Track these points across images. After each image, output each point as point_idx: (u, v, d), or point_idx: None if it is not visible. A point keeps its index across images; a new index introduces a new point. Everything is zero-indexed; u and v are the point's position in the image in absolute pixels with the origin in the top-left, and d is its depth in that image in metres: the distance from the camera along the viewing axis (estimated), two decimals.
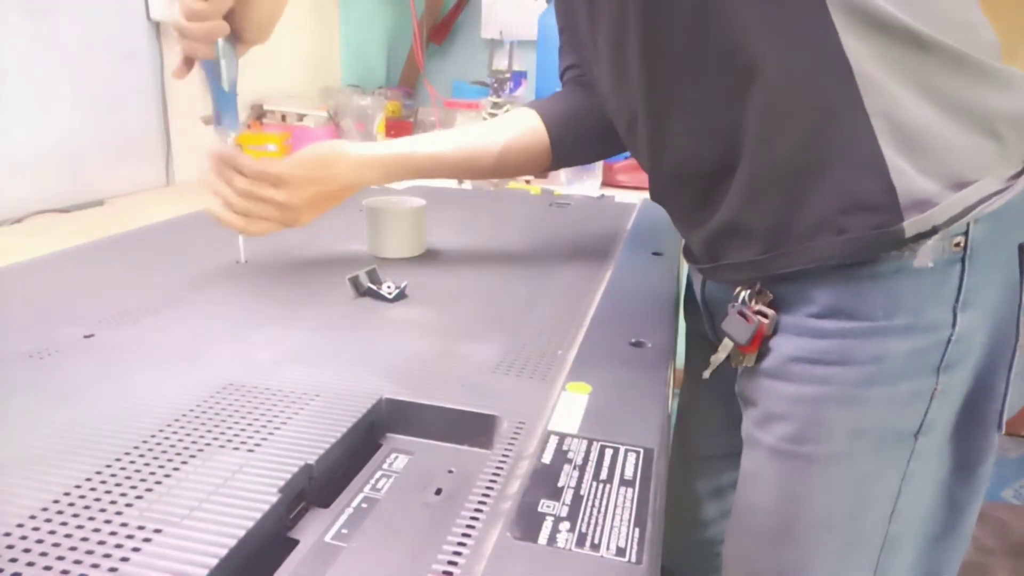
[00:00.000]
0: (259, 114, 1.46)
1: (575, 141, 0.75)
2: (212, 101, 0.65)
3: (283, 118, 1.46)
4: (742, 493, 0.59)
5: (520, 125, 0.74)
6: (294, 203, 0.67)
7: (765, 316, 0.53)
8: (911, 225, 0.45)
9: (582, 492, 0.36)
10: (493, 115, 1.28)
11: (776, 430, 0.54)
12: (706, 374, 0.62)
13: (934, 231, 0.45)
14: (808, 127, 0.46)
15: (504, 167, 0.74)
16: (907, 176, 0.45)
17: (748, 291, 0.54)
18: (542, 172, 0.79)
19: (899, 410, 0.50)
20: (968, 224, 0.46)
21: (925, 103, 0.45)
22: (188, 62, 0.63)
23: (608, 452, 0.39)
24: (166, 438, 0.39)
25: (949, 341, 0.48)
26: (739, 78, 0.47)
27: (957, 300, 0.47)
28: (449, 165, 0.73)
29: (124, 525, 0.32)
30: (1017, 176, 0.46)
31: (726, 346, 0.56)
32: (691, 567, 0.82)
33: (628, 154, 1.43)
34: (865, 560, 0.53)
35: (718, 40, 0.46)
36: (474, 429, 0.43)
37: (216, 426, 0.40)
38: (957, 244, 0.46)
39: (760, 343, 0.54)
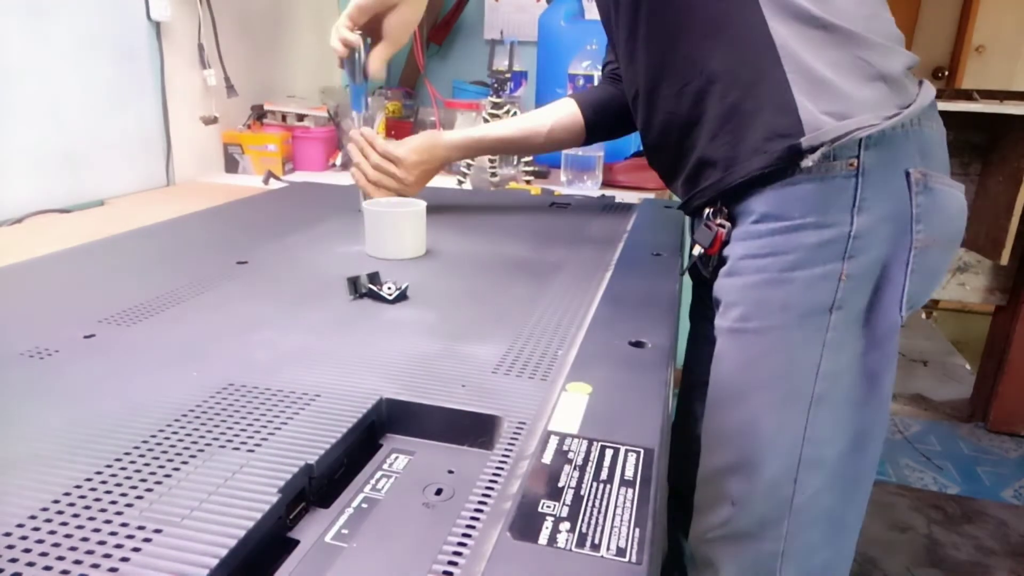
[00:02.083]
0: (259, 114, 1.46)
1: (603, 121, 0.99)
2: (350, 90, 0.89)
3: (283, 118, 1.46)
4: (712, 374, 0.73)
5: (563, 111, 0.98)
6: (407, 178, 0.94)
7: (723, 226, 0.71)
8: (806, 140, 0.63)
9: (582, 492, 0.36)
10: (493, 115, 1.28)
11: (731, 314, 0.70)
12: (679, 272, 0.79)
13: (822, 146, 0.62)
14: (747, 84, 0.66)
15: (552, 143, 1.00)
16: (810, 113, 0.63)
17: (711, 210, 0.72)
18: (580, 145, 1.03)
19: (815, 289, 0.65)
20: (859, 149, 0.63)
21: (827, 66, 0.64)
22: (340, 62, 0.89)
23: (608, 452, 0.39)
24: (166, 438, 0.39)
25: (849, 236, 0.64)
26: (703, 57, 0.68)
27: (854, 205, 0.64)
28: (513, 144, 1.01)
29: (124, 525, 0.32)
30: (892, 117, 0.63)
31: (698, 250, 0.74)
32: (690, 476, 0.92)
33: (628, 154, 1.45)
34: (798, 413, 0.67)
35: (689, 37, 0.69)
36: (474, 429, 0.43)
37: (216, 426, 0.40)
38: (851, 164, 0.63)
39: (720, 247, 0.71)
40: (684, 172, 0.75)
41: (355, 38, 0.84)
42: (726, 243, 0.71)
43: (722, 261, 0.72)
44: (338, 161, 1.50)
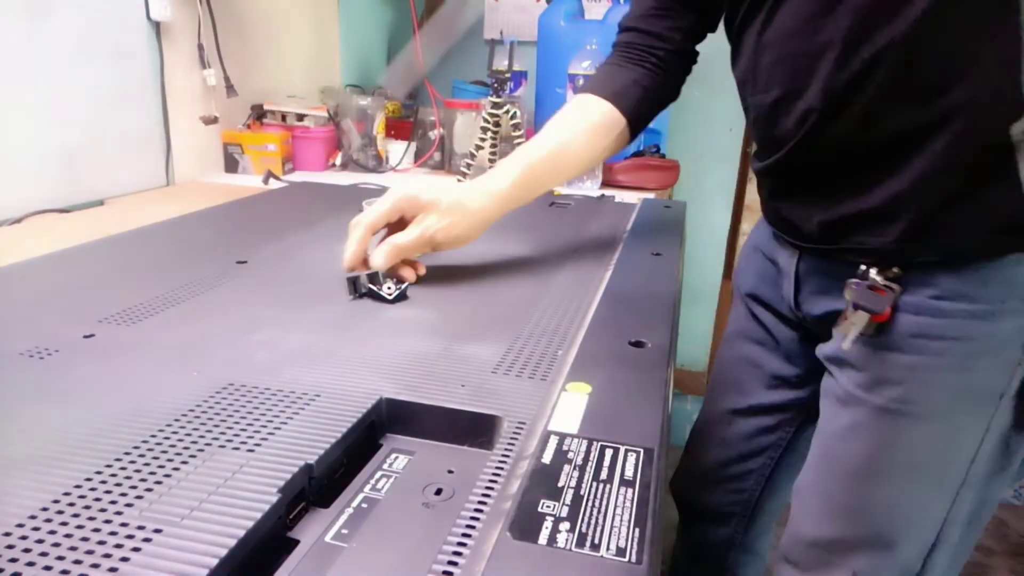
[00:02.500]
0: (259, 114, 1.46)
1: (645, 113, 0.81)
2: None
3: (283, 118, 1.46)
4: (836, 442, 0.69)
5: (596, 121, 0.78)
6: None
7: (892, 289, 0.61)
8: None
9: (582, 492, 0.36)
10: (493, 115, 1.28)
11: (886, 393, 0.64)
12: (845, 345, 0.67)
13: None
14: (987, 143, 0.55)
15: (604, 158, 0.83)
16: None
17: (875, 268, 0.63)
18: (628, 144, 0.85)
19: (995, 376, 0.60)
20: None
21: None
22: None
23: (608, 452, 0.39)
24: (166, 438, 0.39)
25: None
26: (934, 81, 0.56)
27: None
28: (560, 175, 0.78)
29: (124, 525, 0.32)
30: None
31: (861, 317, 0.63)
32: (706, 499, 0.96)
33: (629, 154, 1.43)
34: (947, 496, 0.64)
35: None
36: (474, 429, 0.43)
37: (216, 426, 0.40)
38: None
39: (891, 313, 0.62)
40: (839, 212, 0.64)
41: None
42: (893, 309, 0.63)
43: (878, 326, 0.64)
44: (338, 161, 1.50)
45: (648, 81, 0.80)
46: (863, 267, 0.64)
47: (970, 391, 0.61)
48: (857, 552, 0.69)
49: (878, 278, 0.62)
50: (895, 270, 0.62)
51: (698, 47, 0.82)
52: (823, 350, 0.72)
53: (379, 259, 0.66)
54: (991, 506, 0.69)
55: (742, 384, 0.88)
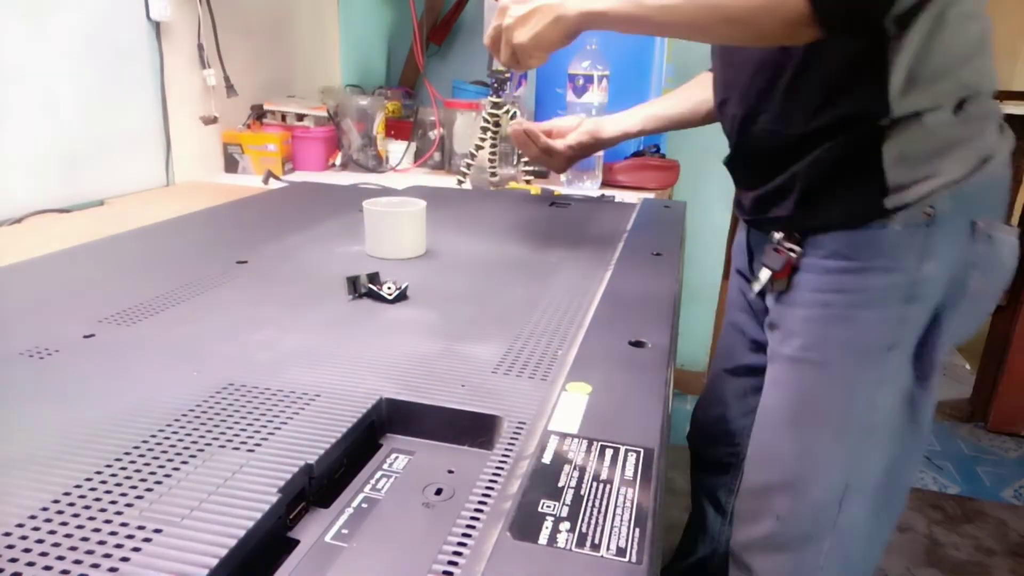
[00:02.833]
0: (259, 114, 1.46)
1: None
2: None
3: (283, 118, 1.46)
4: (766, 396, 0.78)
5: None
6: (560, 166, 1.03)
7: (793, 252, 0.74)
8: (889, 200, 0.67)
9: (582, 492, 0.36)
10: (493, 115, 1.28)
11: (792, 343, 0.74)
12: (753, 292, 0.84)
13: (905, 206, 0.66)
14: (852, 138, 0.67)
15: (709, 118, 0.96)
16: (899, 175, 0.66)
17: (782, 234, 0.75)
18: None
19: (877, 329, 0.69)
20: (936, 200, 0.66)
21: (923, 131, 0.66)
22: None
23: (608, 452, 0.39)
24: (166, 438, 0.39)
25: (914, 281, 0.67)
26: (820, 108, 0.69)
27: (923, 252, 0.67)
28: (673, 122, 1.00)
29: (124, 525, 0.32)
30: (966, 177, 0.66)
31: (766, 273, 0.77)
32: (709, 451, 1.08)
33: (629, 154, 1.44)
34: (850, 443, 0.72)
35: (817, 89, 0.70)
36: (474, 429, 0.43)
37: (216, 426, 0.40)
38: (927, 213, 0.66)
39: (790, 272, 0.74)
40: (761, 190, 0.78)
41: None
42: (795, 269, 0.75)
43: (788, 286, 0.76)
44: (338, 161, 1.50)
45: None
46: (773, 233, 0.76)
47: (857, 340, 0.70)
48: (779, 496, 0.76)
49: (781, 243, 0.75)
50: (796, 236, 0.74)
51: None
52: (766, 320, 0.81)
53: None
54: (911, 467, 0.75)
55: (732, 348, 1.00)
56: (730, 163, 0.85)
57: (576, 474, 0.37)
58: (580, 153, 1.01)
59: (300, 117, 1.46)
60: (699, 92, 0.96)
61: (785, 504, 0.75)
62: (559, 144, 0.98)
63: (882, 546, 0.78)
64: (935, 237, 0.66)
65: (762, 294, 0.83)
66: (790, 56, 0.69)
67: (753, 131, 0.76)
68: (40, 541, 0.30)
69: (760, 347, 0.92)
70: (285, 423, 0.41)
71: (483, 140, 1.29)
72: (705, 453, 1.09)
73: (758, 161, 0.78)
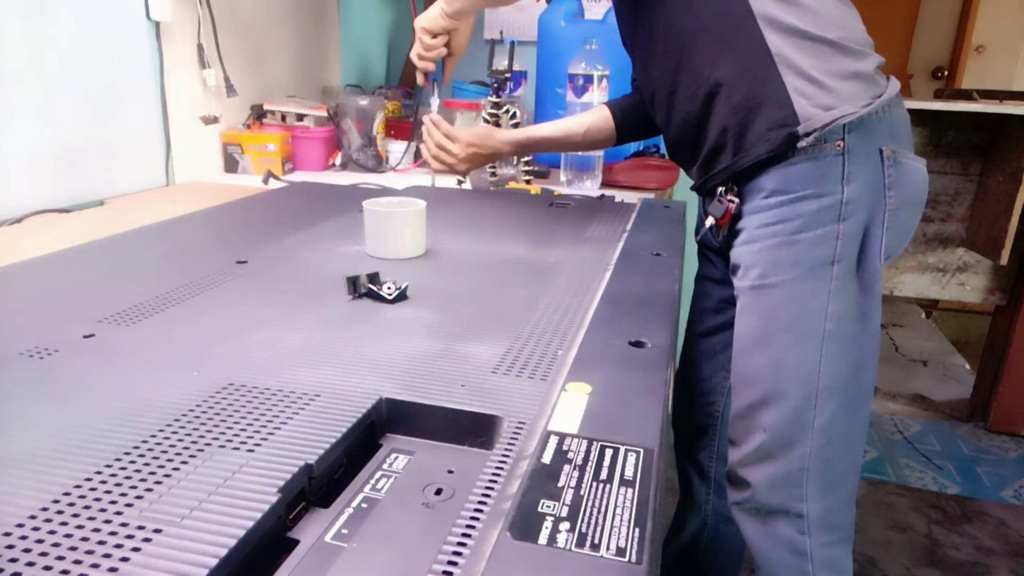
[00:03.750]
0: (259, 114, 1.46)
1: (631, 125, 1.13)
2: (432, 89, 1.13)
3: (283, 118, 1.46)
4: (738, 326, 0.87)
5: (598, 115, 1.13)
6: (460, 154, 1.12)
7: (732, 201, 0.85)
8: (802, 128, 0.77)
9: (582, 492, 0.36)
10: (493, 115, 1.28)
11: (751, 275, 0.84)
12: (696, 237, 1.03)
13: (815, 132, 0.77)
14: (750, 86, 0.80)
15: (588, 142, 1.15)
16: (803, 107, 0.78)
17: (723, 188, 0.86)
18: (613, 145, 1.17)
19: (819, 247, 0.79)
20: (844, 133, 0.77)
21: (813, 68, 0.78)
22: (423, 76, 1.08)
23: (608, 452, 0.39)
24: (166, 438, 0.39)
25: (841, 203, 0.78)
26: (712, 66, 0.82)
27: (842, 178, 0.78)
28: (555, 142, 1.16)
29: (124, 525, 0.32)
30: (867, 106, 0.78)
31: (710, 221, 0.88)
32: (687, 417, 1.16)
33: (629, 154, 1.45)
34: (813, 349, 0.81)
35: (699, 51, 0.84)
36: (474, 429, 0.43)
37: (216, 426, 0.40)
38: (838, 145, 0.78)
39: (730, 219, 0.86)
40: (699, 160, 0.89)
41: (437, 53, 1.03)
42: (736, 217, 0.86)
43: (732, 233, 0.87)
44: (338, 161, 1.50)
45: (639, 105, 1.08)
46: (718, 189, 0.87)
47: (803, 259, 0.80)
48: (762, 410, 0.84)
49: (723, 196, 0.86)
50: (735, 188, 0.85)
51: None
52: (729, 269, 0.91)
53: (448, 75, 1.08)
54: (869, 368, 0.85)
55: (700, 313, 1.10)
56: (673, 152, 0.97)
57: (576, 474, 0.37)
58: (473, 159, 1.13)
59: (300, 117, 1.46)
60: (573, 122, 1.14)
61: (770, 416, 0.84)
62: (454, 147, 1.11)
63: (860, 448, 0.88)
64: (851, 165, 0.78)
65: (723, 253, 0.94)
66: (683, 36, 0.84)
67: (666, 117, 0.90)
68: (40, 541, 0.30)
69: (726, 304, 1.01)
70: (285, 423, 0.41)
71: None
72: (685, 422, 1.17)
73: (684, 142, 0.90)
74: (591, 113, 1.15)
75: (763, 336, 0.84)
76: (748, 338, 0.86)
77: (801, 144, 0.77)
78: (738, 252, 0.86)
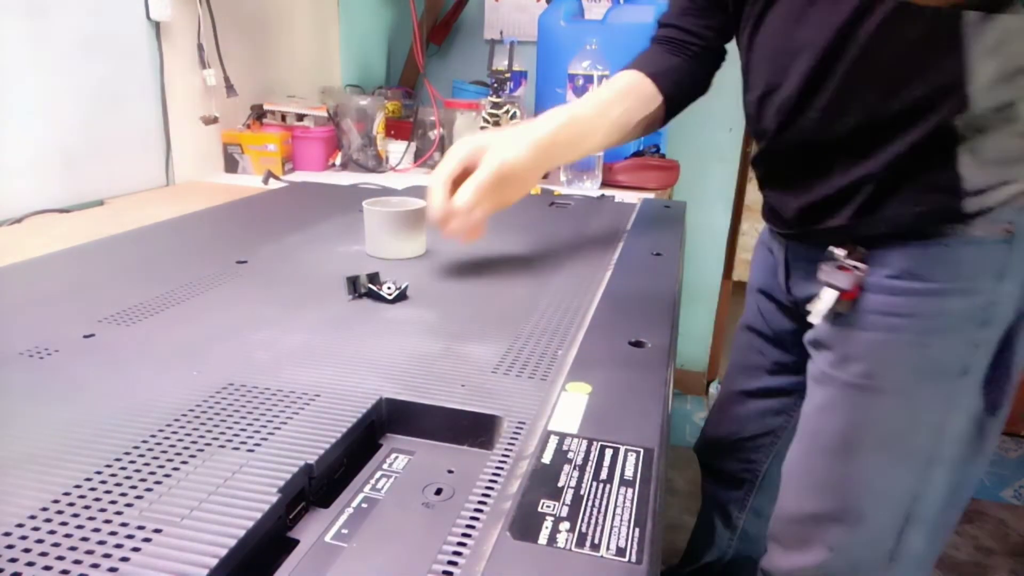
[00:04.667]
0: (259, 114, 1.46)
1: (681, 96, 0.87)
2: None
3: (283, 118, 1.46)
4: (813, 420, 0.73)
5: (637, 99, 0.83)
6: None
7: (859, 269, 0.66)
8: (968, 203, 0.60)
9: (582, 492, 0.36)
10: (493, 115, 1.28)
11: (851, 369, 0.68)
12: (815, 320, 0.73)
13: (986, 211, 0.60)
14: (921, 134, 0.61)
15: (633, 135, 0.87)
16: (970, 171, 0.60)
17: (843, 250, 0.68)
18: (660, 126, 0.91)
19: (950, 355, 0.64)
20: (1017, 214, 0.60)
21: (998, 132, 0.60)
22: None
23: (608, 452, 0.39)
24: (166, 438, 0.39)
25: (991, 304, 0.62)
26: (888, 95, 0.62)
27: (1001, 271, 0.62)
28: (591, 150, 0.84)
29: (124, 525, 0.32)
30: None
31: (830, 295, 0.68)
32: (721, 465, 1.04)
33: (629, 154, 1.44)
34: (914, 472, 0.68)
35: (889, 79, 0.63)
36: (474, 429, 0.43)
37: (216, 426, 0.40)
38: (1007, 229, 0.61)
39: (858, 292, 0.67)
40: (814, 196, 0.70)
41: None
42: (861, 288, 0.68)
43: (848, 306, 0.70)
44: (338, 161, 1.50)
45: (685, 68, 0.85)
46: (832, 249, 0.69)
47: (928, 367, 0.65)
48: (832, 526, 0.72)
49: (845, 259, 0.68)
50: (861, 250, 0.67)
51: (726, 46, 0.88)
52: (807, 336, 0.76)
53: (464, 196, 0.66)
54: (970, 489, 0.71)
55: (750, 370, 0.96)
56: (763, 162, 0.77)
57: (576, 474, 0.37)
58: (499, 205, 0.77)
59: (300, 117, 1.46)
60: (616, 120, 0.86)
61: (839, 535, 0.72)
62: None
63: (931, 566, 0.75)
64: (1015, 255, 0.61)
65: (792, 311, 0.78)
66: (854, 39, 0.62)
67: (806, 122, 0.68)
68: (40, 541, 0.30)
69: (781, 368, 0.89)
70: (285, 423, 0.41)
71: None
72: (716, 466, 1.06)
73: (805, 161, 0.70)
74: (636, 104, 0.83)
75: (851, 445, 0.70)
76: (826, 440, 0.71)
77: (967, 226, 0.60)
78: (834, 332, 0.70)
